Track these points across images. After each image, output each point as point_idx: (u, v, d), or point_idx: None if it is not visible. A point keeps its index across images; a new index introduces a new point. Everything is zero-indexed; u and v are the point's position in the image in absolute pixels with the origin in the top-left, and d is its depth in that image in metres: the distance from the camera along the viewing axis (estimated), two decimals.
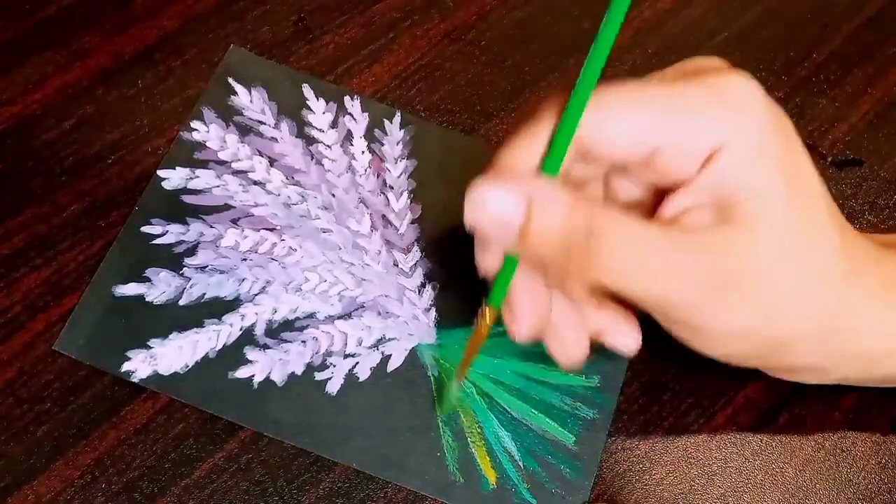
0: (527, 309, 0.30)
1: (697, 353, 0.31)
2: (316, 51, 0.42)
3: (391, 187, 0.39)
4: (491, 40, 0.43)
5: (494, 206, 0.27)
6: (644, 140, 0.28)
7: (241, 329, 0.36)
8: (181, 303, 0.36)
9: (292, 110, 0.40)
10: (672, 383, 0.36)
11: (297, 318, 0.36)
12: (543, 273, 0.29)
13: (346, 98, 0.41)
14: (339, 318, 0.36)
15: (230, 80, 0.40)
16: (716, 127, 0.27)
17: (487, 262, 0.30)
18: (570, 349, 0.32)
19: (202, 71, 0.41)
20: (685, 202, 0.29)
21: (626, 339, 0.32)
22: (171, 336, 0.35)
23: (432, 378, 0.36)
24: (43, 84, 0.40)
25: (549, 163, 0.28)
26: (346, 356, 0.36)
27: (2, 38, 0.41)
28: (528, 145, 0.28)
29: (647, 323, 0.31)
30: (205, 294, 0.36)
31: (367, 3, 0.43)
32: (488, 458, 0.34)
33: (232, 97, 0.40)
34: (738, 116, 0.28)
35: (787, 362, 0.32)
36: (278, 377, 0.35)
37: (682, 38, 0.43)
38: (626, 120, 0.28)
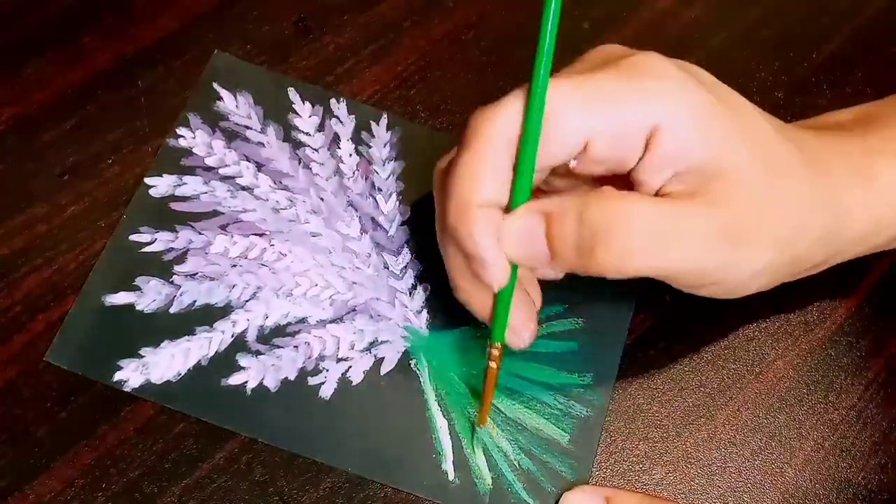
0: (525, 322, 0.32)
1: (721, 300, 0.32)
2: (316, 51, 0.42)
3: (380, 189, 0.39)
4: (491, 40, 0.43)
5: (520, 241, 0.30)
6: (576, 135, 0.29)
7: (232, 336, 0.36)
8: (172, 311, 0.36)
9: (278, 114, 0.40)
10: (672, 383, 0.36)
11: (289, 324, 0.36)
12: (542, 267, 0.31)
13: (332, 101, 0.41)
14: (331, 322, 0.36)
15: (215, 85, 0.40)
16: (646, 110, 0.28)
17: (479, 302, 0.32)
18: (530, 336, 0.33)
19: (202, 71, 0.41)
20: (653, 180, 0.29)
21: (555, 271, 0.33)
22: (162, 344, 0.35)
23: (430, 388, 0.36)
24: (43, 84, 0.40)
25: (519, 190, 0.29)
26: (338, 360, 0.36)
27: (2, 38, 0.41)
28: (477, 174, 0.29)
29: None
30: (195, 301, 0.36)
31: (367, 3, 0.43)
32: (484, 459, 0.34)
33: (217, 102, 0.40)
34: (663, 93, 0.28)
35: (797, 274, 0.33)
36: (271, 383, 0.35)
37: (682, 38, 0.43)
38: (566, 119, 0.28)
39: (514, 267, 0.30)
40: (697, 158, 0.29)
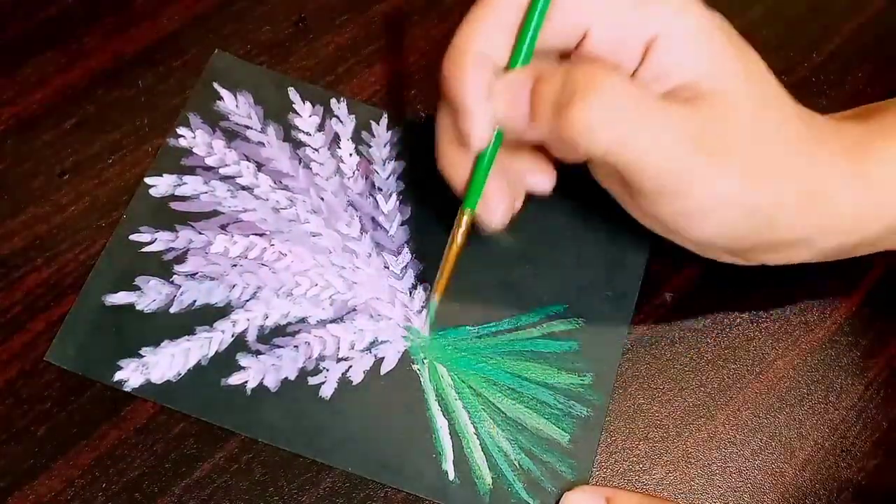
0: (500, 199, 0.32)
1: (679, 242, 0.31)
2: (316, 51, 0.42)
3: (380, 189, 0.39)
4: None
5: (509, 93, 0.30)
6: (576, 16, 0.29)
7: (232, 335, 0.36)
8: (172, 310, 0.36)
9: (278, 114, 0.40)
10: (672, 383, 0.36)
11: (289, 323, 0.36)
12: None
13: (333, 101, 0.41)
14: (331, 321, 0.36)
15: (215, 84, 0.40)
16: (647, 15, 0.29)
17: (458, 173, 0.32)
18: (502, 214, 0.33)
19: (202, 71, 0.41)
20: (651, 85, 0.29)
21: (544, 177, 0.33)
22: (162, 344, 0.35)
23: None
24: (43, 84, 0.40)
25: (518, 55, 0.30)
26: (339, 360, 0.36)
27: (2, 38, 0.41)
28: (480, 25, 0.30)
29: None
30: (195, 301, 0.36)
31: (367, 3, 0.43)
32: (484, 459, 0.34)
33: (218, 102, 0.40)
34: (668, 5, 0.29)
35: (772, 238, 0.31)
36: (271, 383, 0.35)
37: None
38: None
39: (498, 137, 0.30)
40: (692, 75, 0.29)
